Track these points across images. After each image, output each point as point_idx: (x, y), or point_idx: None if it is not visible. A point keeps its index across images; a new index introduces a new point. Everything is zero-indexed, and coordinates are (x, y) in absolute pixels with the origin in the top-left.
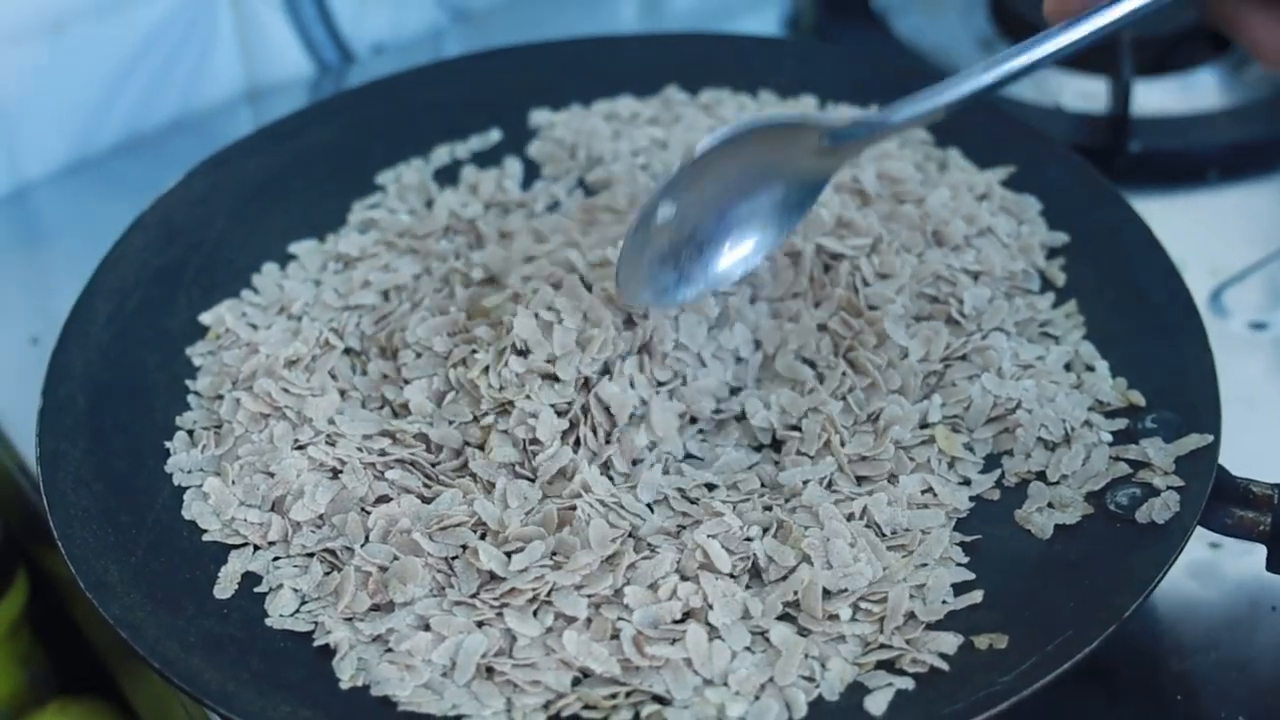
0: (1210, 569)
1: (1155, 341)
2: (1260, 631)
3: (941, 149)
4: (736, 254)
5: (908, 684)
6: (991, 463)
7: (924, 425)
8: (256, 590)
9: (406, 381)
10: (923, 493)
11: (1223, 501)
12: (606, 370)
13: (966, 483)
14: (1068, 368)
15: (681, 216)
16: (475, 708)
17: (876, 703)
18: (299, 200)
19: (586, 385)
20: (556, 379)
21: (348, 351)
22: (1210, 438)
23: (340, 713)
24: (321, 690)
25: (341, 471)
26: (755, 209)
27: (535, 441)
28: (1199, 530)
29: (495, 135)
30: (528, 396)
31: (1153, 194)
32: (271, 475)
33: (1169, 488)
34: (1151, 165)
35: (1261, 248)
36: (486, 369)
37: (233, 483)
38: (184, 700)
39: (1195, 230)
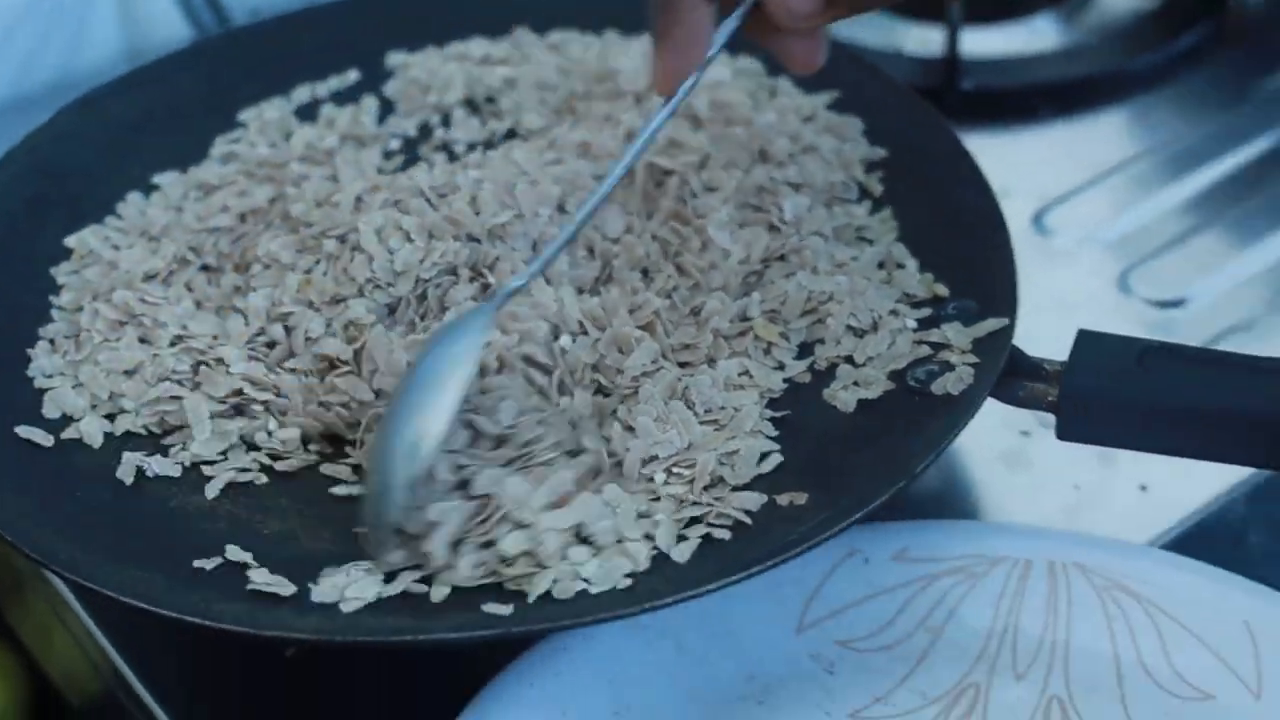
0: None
1: (961, 242)
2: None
3: (772, 78)
4: None
5: (723, 535)
6: (805, 351)
7: (744, 319)
8: (117, 476)
9: (254, 289)
10: (739, 375)
11: (1016, 377)
12: (450, 272)
13: (781, 367)
14: (880, 266)
15: None
16: None
17: (681, 552)
18: (164, 137)
19: (425, 295)
20: (395, 285)
21: (204, 268)
22: (1005, 321)
23: (185, 576)
24: (170, 560)
25: (196, 370)
26: None
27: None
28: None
29: (354, 75)
30: (360, 294)
31: (986, 129)
32: (127, 375)
33: (964, 364)
34: (982, 102)
35: (1085, 175)
36: (326, 273)
37: (88, 382)
38: (66, 622)
39: (1025, 161)
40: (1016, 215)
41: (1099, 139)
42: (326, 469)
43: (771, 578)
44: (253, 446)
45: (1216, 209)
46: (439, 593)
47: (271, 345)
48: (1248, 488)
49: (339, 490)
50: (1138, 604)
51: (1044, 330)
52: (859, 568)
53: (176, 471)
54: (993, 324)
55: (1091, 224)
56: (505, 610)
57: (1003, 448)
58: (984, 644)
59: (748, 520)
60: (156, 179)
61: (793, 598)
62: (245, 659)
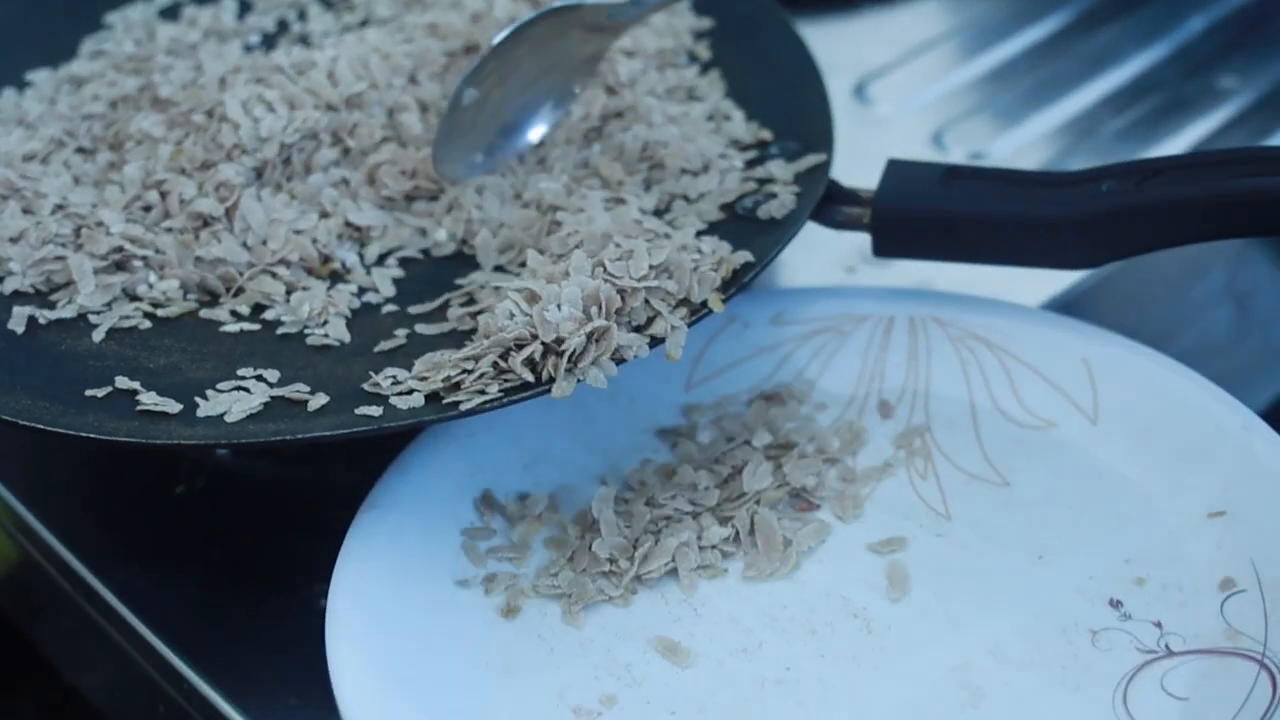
0: None
1: (783, 96)
2: None
3: None
4: (536, 131)
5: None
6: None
7: (586, 165)
8: (8, 328)
9: (128, 163)
10: (607, 201)
11: (835, 203)
12: (311, 138)
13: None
14: (709, 119)
15: (484, 100)
16: None
17: None
18: (34, 41)
19: (289, 159)
20: (260, 151)
21: (79, 150)
22: (824, 156)
23: (79, 403)
24: (64, 392)
25: (77, 234)
26: (547, 87)
27: (227, 185)
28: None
29: None
30: (228, 159)
31: (810, 16)
32: (12, 241)
33: (788, 193)
34: None
35: (900, 52)
36: (196, 143)
37: None
38: None
39: (847, 42)
40: (839, 88)
41: (913, 21)
42: (205, 314)
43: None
44: (135, 298)
45: (1017, 76)
46: (316, 401)
47: (148, 209)
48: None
49: (226, 328)
50: (989, 350)
51: (866, 183)
52: (740, 332)
53: (71, 313)
54: (812, 159)
55: (907, 93)
56: (376, 411)
57: (832, 283)
58: (854, 390)
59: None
60: (29, 76)
61: (680, 362)
62: (142, 495)
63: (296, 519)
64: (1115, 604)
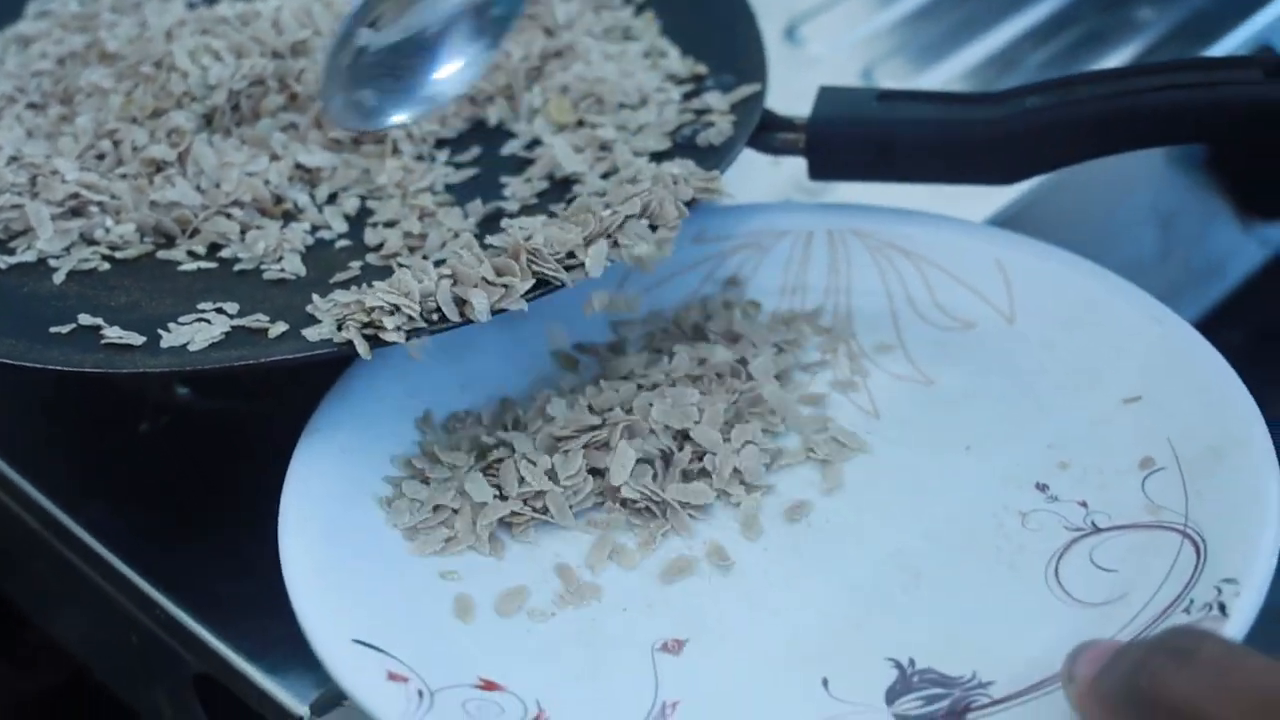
0: None
1: (716, 33)
2: None
3: None
4: (450, 69)
5: None
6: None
7: (532, 109)
8: None
9: (80, 115)
10: None
11: (770, 131)
12: (259, 83)
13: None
14: (645, 56)
15: (379, 38)
16: None
17: None
18: None
19: (238, 105)
20: (210, 98)
21: (31, 106)
22: (759, 86)
23: (44, 340)
24: (29, 329)
25: (33, 183)
26: (457, 23)
27: (179, 131)
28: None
29: None
30: (178, 106)
31: None
32: None
33: (725, 122)
34: None
35: None
36: (145, 93)
37: None
38: None
39: None
40: (771, 31)
41: None
42: (162, 255)
43: None
44: (93, 242)
45: (941, 14)
46: (276, 329)
47: (101, 157)
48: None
49: (184, 268)
50: (906, 258)
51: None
52: None
53: (31, 258)
54: (747, 89)
55: (836, 34)
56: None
57: None
58: (776, 303)
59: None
60: None
61: (606, 280)
62: (107, 435)
63: (258, 450)
64: (1042, 487)
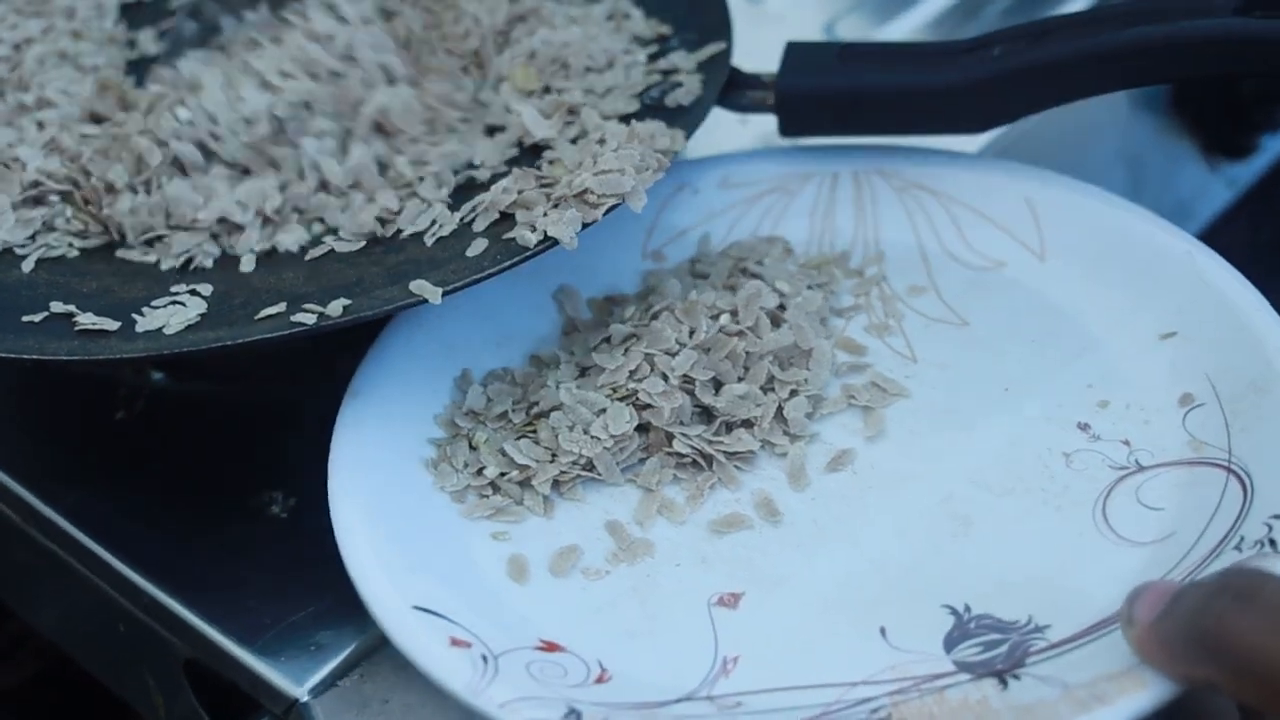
0: None
1: None
2: None
3: None
4: None
5: None
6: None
7: (500, 78)
8: None
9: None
10: None
11: (738, 89)
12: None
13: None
14: (609, 19)
15: None
16: None
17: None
18: None
19: None
20: None
21: None
22: (724, 44)
23: (16, 329)
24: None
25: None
26: None
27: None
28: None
29: None
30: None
31: None
32: None
33: (693, 81)
34: None
35: None
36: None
37: None
38: None
39: None
40: None
41: None
42: (122, 253)
43: (611, 219)
44: (55, 229)
45: None
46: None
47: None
48: None
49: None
50: (933, 197)
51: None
52: (690, 198)
53: None
54: (713, 48)
55: None
56: (310, 319)
57: None
58: (804, 249)
59: None
60: None
61: (634, 231)
62: (84, 424)
63: (236, 434)
64: (1083, 427)
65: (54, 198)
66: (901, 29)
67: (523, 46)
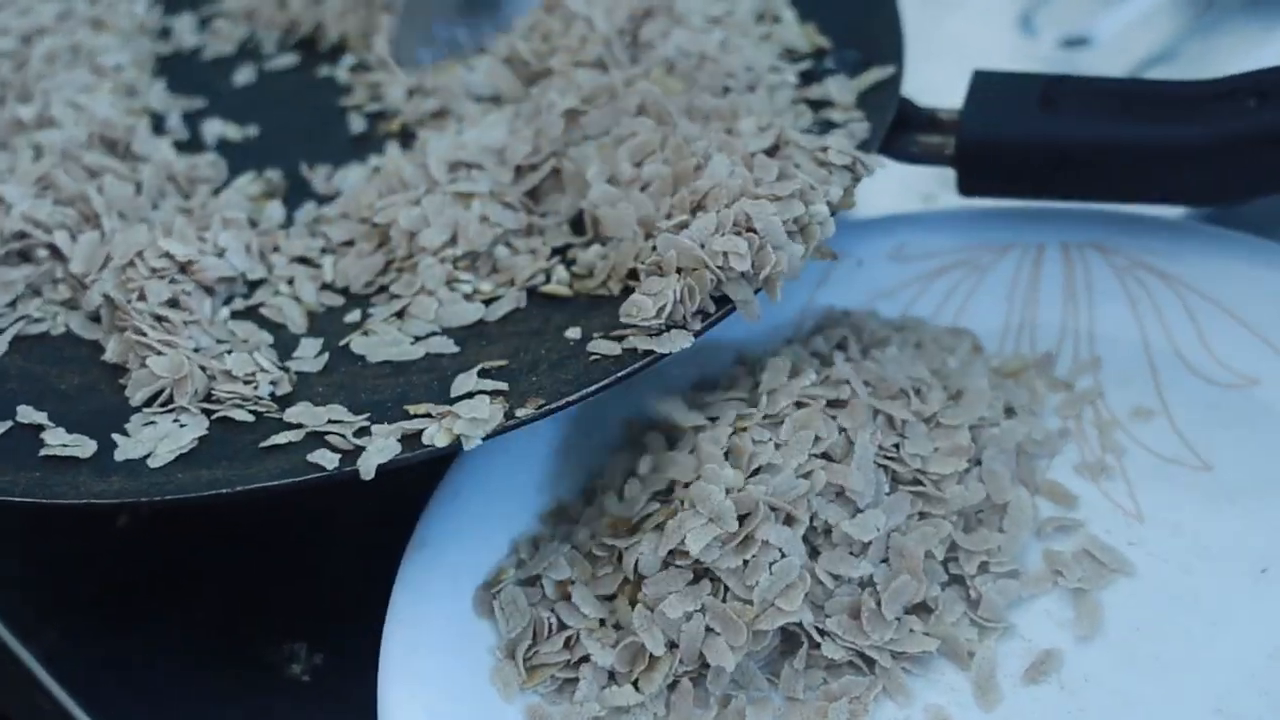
0: None
1: None
2: None
3: None
4: None
5: None
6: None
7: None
8: None
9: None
10: None
11: (908, 130)
12: None
13: None
14: (759, 20)
15: None
16: None
17: None
18: None
19: None
20: None
21: None
22: (892, 69)
23: None
24: None
25: None
26: None
27: None
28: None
29: None
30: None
31: None
32: None
33: (849, 121)
34: None
35: None
36: None
37: None
38: None
39: None
40: None
41: None
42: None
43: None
44: (40, 294)
45: None
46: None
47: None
48: None
49: None
50: (1165, 284)
51: (939, 82)
52: (852, 271)
53: None
54: (878, 74)
55: None
56: (333, 461)
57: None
58: (997, 344)
59: None
60: None
61: (785, 311)
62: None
63: (257, 557)
64: None
65: (42, 252)
66: (1120, 20)
67: (656, 54)
